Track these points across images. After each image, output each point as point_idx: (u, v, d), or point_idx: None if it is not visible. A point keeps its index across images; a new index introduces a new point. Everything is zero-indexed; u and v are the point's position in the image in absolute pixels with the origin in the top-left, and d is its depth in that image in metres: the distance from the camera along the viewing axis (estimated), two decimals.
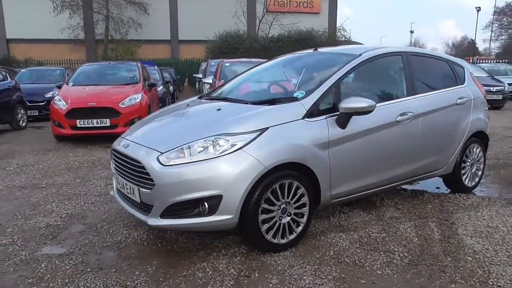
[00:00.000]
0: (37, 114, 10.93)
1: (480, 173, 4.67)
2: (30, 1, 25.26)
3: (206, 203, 2.76)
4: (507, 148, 7.12)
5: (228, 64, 9.30)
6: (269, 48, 23.97)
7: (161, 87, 11.89)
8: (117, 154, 3.30)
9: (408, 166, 3.81)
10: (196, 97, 4.29)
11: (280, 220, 2.99)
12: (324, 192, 3.18)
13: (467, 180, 4.51)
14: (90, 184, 4.86)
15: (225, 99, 3.75)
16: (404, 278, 2.70)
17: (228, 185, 2.74)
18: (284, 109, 3.12)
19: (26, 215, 3.85)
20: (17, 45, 26.12)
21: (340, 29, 28.92)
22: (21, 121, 9.62)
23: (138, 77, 8.72)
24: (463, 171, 4.44)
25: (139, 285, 2.62)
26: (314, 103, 3.16)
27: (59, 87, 8.40)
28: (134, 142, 3.18)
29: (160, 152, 2.86)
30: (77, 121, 7.30)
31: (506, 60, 26.19)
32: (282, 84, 3.97)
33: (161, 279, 2.69)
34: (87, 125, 7.34)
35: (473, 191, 4.59)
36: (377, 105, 3.30)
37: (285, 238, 3.03)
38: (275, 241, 2.98)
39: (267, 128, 2.92)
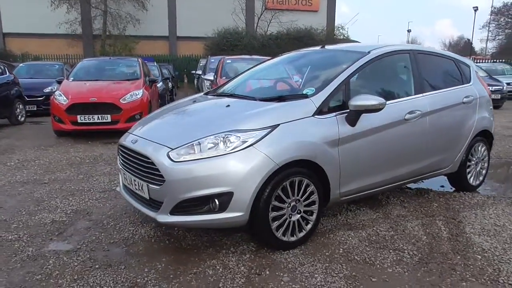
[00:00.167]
0: (35, 109, 10.85)
1: (484, 172, 4.68)
2: None
3: (217, 200, 2.74)
4: (508, 147, 7.15)
5: (230, 61, 9.26)
6: (267, 46, 23.97)
7: (161, 83, 11.84)
8: (124, 150, 3.27)
9: (416, 165, 3.81)
10: (202, 93, 4.26)
11: (290, 217, 2.98)
12: (333, 190, 3.16)
13: (471, 179, 4.51)
14: (94, 180, 4.82)
15: (232, 96, 3.72)
16: (415, 276, 2.70)
17: (239, 182, 2.72)
18: (295, 106, 3.10)
19: (30, 211, 3.81)
20: (13, 40, 25.90)
21: (338, 27, 28.97)
22: (19, 116, 9.54)
23: (139, 72, 8.67)
24: (468, 170, 4.45)
25: (149, 282, 2.60)
26: (324, 100, 3.15)
27: (59, 82, 8.33)
28: (142, 138, 3.15)
29: (170, 148, 2.83)
30: (78, 116, 7.24)
31: (503, 60, 26.29)
32: (290, 81, 3.95)
33: (171, 276, 2.67)
34: (88, 121, 7.29)
35: (477, 189, 4.60)
36: (386, 103, 3.29)
37: (294, 236, 3.02)
38: (285, 238, 2.97)
39: (278, 125, 2.90)
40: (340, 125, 3.14)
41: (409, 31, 72.55)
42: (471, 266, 2.82)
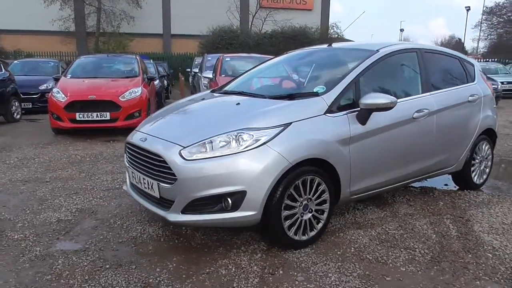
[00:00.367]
0: (30, 106, 10.72)
1: (488, 170, 4.70)
2: None
3: (229, 199, 2.71)
4: (506, 145, 7.19)
5: (229, 59, 9.21)
6: (262, 44, 23.90)
7: (157, 81, 11.76)
8: (132, 148, 3.22)
9: (423, 163, 3.81)
10: (209, 91, 4.22)
11: (302, 216, 2.96)
12: (344, 188, 3.15)
13: (476, 177, 4.53)
14: (96, 179, 4.76)
15: (240, 94, 3.68)
16: (428, 275, 2.69)
17: (253, 181, 2.69)
18: (306, 104, 3.08)
19: (35, 210, 3.75)
20: (6, 36, 25.44)
21: (332, 26, 28.96)
22: (15, 114, 9.42)
23: (137, 70, 8.59)
24: (472, 168, 4.47)
25: (162, 282, 2.56)
26: (336, 98, 3.13)
27: (57, 80, 8.22)
28: (152, 136, 3.11)
29: (182, 146, 2.80)
30: (77, 114, 7.16)
31: (496, 59, 26.53)
32: (298, 80, 3.93)
33: (184, 276, 2.64)
34: (86, 118, 7.21)
35: (481, 188, 4.62)
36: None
37: (306, 235, 3.00)
38: (297, 238, 2.95)
39: (291, 123, 2.87)
40: (351, 124, 3.13)
41: (402, 30, 72.67)
42: (483, 265, 2.83)
